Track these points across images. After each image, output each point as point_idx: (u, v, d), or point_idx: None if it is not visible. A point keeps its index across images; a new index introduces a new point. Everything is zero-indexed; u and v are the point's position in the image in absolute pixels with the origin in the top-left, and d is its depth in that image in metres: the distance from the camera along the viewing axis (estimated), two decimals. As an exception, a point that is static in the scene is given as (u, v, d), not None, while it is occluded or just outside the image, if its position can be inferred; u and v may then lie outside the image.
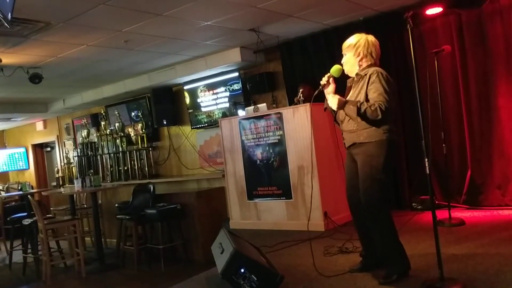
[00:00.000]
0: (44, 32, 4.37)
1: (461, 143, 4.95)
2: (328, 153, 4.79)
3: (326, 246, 3.87)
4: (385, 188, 2.89)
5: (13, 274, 6.56)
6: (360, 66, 3.03)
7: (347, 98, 3.03)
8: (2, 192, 9.19)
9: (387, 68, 3.08)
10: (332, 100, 2.94)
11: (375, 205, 2.85)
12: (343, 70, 3.07)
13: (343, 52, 3.11)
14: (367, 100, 2.88)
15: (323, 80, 3.05)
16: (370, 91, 2.87)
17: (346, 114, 2.95)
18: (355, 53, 3.02)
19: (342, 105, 2.90)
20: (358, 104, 2.83)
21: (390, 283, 2.80)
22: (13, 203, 9.42)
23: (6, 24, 3.16)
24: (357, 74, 3.02)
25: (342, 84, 3.16)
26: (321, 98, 3.12)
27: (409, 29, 2.80)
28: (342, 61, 3.10)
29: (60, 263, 6.60)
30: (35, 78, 5.58)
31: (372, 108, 2.79)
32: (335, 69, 3.04)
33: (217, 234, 3.56)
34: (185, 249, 6.17)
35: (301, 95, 4.80)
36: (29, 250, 6.69)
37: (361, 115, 2.83)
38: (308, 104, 4.69)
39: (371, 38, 3.06)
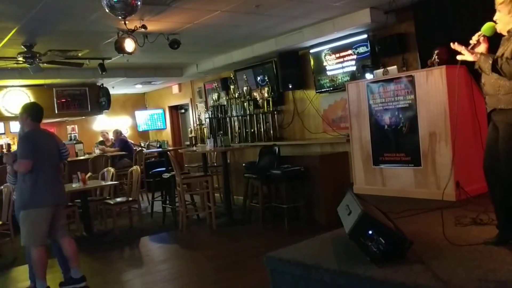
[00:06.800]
0: (183, -1, 4.68)
1: None
2: (464, 120, 4.47)
3: (457, 216, 3.67)
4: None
5: (155, 222, 7.35)
6: None
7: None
8: (144, 149, 10.21)
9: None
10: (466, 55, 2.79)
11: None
12: (495, 29, 2.82)
13: (496, 8, 2.83)
14: None
15: (473, 39, 2.86)
16: None
17: (479, 67, 2.76)
18: (510, 9, 2.73)
19: (479, 58, 2.74)
20: (494, 57, 2.62)
21: (531, 259, 2.60)
22: (153, 159, 10.46)
23: (154, -7, 3.47)
24: (508, 31, 2.76)
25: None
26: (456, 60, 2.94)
27: None
28: (494, 18, 2.83)
29: (194, 215, 7.25)
30: (174, 44, 6.03)
31: (510, 64, 2.56)
32: (487, 27, 2.82)
33: (339, 198, 3.59)
34: (307, 210, 6.36)
35: (436, 57, 4.52)
36: (167, 202, 7.44)
37: (497, 70, 2.61)
38: (443, 66, 4.42)
39: None
